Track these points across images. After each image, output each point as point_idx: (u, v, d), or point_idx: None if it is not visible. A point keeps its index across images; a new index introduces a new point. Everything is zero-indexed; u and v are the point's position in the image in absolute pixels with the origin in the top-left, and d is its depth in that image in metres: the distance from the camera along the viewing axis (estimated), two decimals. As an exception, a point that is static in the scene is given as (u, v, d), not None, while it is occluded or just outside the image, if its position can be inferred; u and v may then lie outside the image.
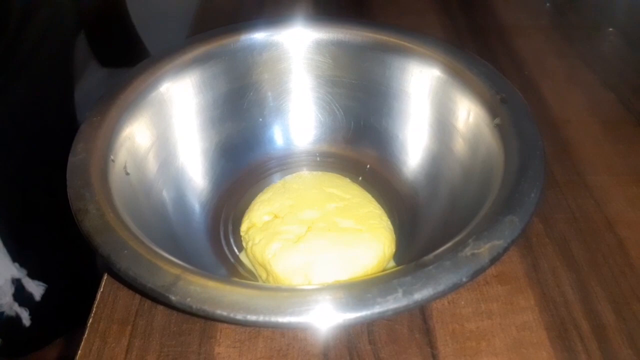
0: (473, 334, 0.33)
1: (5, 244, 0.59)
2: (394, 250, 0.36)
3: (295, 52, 0.41)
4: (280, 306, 0.24)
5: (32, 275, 0.62)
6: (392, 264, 0.36)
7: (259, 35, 0.40)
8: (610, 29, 0.60)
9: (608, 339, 0.32)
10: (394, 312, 0.25)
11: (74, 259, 0.68)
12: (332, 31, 0.40)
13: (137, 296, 0.34)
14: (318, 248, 0.33)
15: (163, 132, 0.35)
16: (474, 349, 0.32)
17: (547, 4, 0.66)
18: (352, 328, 0.32)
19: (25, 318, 0.61)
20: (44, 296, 0.62)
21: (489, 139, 0.35)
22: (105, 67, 1.23)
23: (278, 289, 0.26)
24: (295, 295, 0.25)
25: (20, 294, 0.61)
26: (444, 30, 0.60)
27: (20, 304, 0.61)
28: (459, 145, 0.38)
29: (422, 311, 0.34)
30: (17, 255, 0.61)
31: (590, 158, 0.44)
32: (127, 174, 0.31)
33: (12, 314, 0.62)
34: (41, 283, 0.62)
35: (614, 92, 0.50)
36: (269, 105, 0.42)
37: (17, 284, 0.60)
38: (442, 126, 0.39)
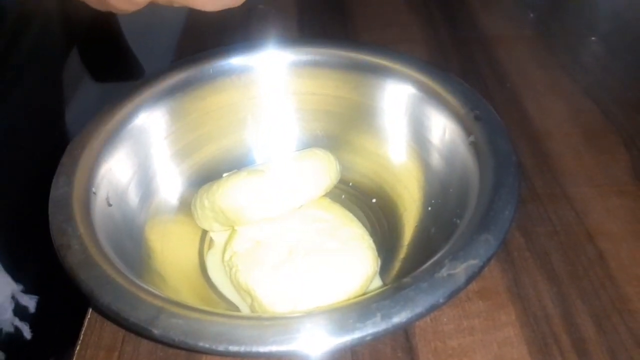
0: (455, 351, 0.33)
1: (1, 260, 0.60)
2: (377, 269, 0.36)
3: (272, 74, 0.42)
4: (262, 336, 0.25)
5: (27, 290, 0.63)
6: (377, 280, 0.37)
7: (235, 60, 0.40)
8: (593, 38, 0.60)
9: (588, 352, 0.33)
10: (373, 337, 0.25)
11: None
12: (308, 52, 0.41)
13: (125, 322, 0.34)
14: (302, 273, 0.33)
15: (143, 162, 0.36)
16: (456, 366, 0.32)
17: (531, 15, 0.66)
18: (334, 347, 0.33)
19: (26, 332, 0.62)
20: (41, 310, 0.63)
21: (465, 156, 0.36)
22: (98, 82, 1.24)
23: (259, 318, 0.26)
24: (276, 325, 0.25)
25: (19, 309, 0.62)
26: (428, 43, 0.60)
27: (20, 319, 0.62)
28: (436, 162, 0.39)
29: (404, 329, 0.34)
30: (13, 271, 0.61)
31: (571, 169, 0.45)
32: (110, 205, 0.32)
33: (12, 329, 0.62)
34: (33, 295, 0.63)
35: (595, 102, 0.51)
36: (248, 126, 0.42)
37: (16, 300, 0.61)
38: (420, 143, 0.39)
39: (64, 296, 0.70)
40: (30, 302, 0.63)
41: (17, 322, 0.63)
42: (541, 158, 0.46)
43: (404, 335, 0.34)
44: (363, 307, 0.26)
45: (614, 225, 0.40)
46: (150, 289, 0.26)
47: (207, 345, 0.24)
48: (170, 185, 0.38)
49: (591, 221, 0.41)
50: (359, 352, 0.33)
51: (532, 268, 0.38)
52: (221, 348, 0.24)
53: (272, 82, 0.41)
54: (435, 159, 0.38)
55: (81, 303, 0.46)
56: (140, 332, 0.25)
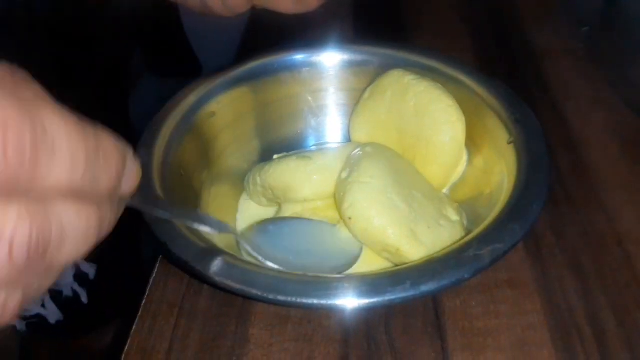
0: (481, 331, 0.36)
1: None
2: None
3: (329, 71, 0.46)
4: (306, 290, 0.29)
5: (88, 259, 0.69)
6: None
7: (297, 57, 0.45)
8: (642, 55, 0.62)
9: (607, 343, 0.35)
10: (402, 301, 0.29)
11: (122, 247, 0.74)
12: (361, 53, 0.45)
13: (185, 282, 0.39)
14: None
15: (211, 141, 0.41)
16: (480, 345, 0.35)
17: (582, 30, 0.68)
18: (371, 319, 0.37)
19: (84, 297, 0.68)
20: (97, 278, 0.69)
21: (504, 156, 0.39)
22: (158, 77, 1.32)
23: (305, 276, 0.30)
24: (320, 282, 0.29)
25: (79, 275, 0.68)
26: (476, 54, 0.63)
27: (79, 285, 0.68)
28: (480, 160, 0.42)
29: (435, 309, 0.37)
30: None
31: (606, 177, 0.47)
32: (182, 174, 0.36)
33: (70, 293, 0.69)
34: (93, 264, 0.69)
35: (636, 115, 0.53)
36: (304, 117, 0.47)
37: (77, 266, 0.67)
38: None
39: (120, 269, 0.76)
40: (90, 270, 0.69)
41: (76, 287, 0.69)
42: (577, 164, 0.48)
43: (434, 314, 0.37)
44: (395, 275, 0.30)
45: (644, 231, 0.42)
46: (212, 243, 0.31)
47: (259, 293, 0.28)
48: (230, 164, 0.43)
49: (621, 226, 0.43)
50: (392, 325, 0.36)
51: (560, 264, 0.40)
52: (271, 297, 0.28)
53: (328, 78, 0.46)
54: (478, 159, 0.41)
55: (135, 275, 0.51)
56: (204, 279, 0.29)
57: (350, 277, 0.30)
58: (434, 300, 0.38)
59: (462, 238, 0.34)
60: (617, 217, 0.43)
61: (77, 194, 0.18)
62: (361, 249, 0.38)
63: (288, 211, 0.40)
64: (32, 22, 0.61)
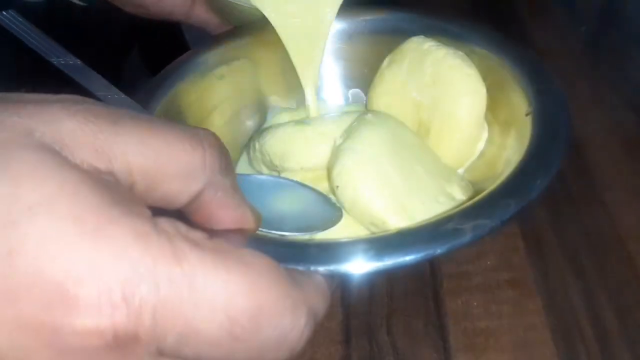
0: (483, 331, 0.36)
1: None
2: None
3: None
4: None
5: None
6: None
7: None
8: (641, 54, 0.62)
9: (609, 343, 0.35)
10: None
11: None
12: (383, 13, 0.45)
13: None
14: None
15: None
16: (482, 345, 0.35)
17: (582, 29, 0.68)
18: (372, 320, 0.36)
19: None
20: None
21: (520, 129, 0.35)
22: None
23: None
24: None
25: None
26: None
27: None
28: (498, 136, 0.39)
29: (437, 309, 0.37)
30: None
31: (607, 176, 0.47)
32: None
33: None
34: None
35: (637, 115, 0.53)
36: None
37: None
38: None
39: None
40: None
41: None
42: (579, 164, 0.48)
43: (435, 315, 0.37)
44: (353, 244, 0.26)
45: (646, 231, 0.42)
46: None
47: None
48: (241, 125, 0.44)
49: (623, 225, 0.43)
50: (394, 325, 0.36)
51: (561, 264, 0.40)
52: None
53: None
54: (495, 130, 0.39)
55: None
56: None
57: (299, 242, 0.28)
58: (435, 301, 0.38)
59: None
60: (618, 217, 0.43)
61: None
62: (340, 216, 0.35)
63: None
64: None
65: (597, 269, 0.39)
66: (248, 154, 0.43)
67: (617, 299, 0.38)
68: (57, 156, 0.16)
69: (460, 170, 0.40)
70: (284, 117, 0.45)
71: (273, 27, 0.40)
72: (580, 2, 0.73)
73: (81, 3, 0.54)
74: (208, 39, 0.47)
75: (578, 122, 0.52)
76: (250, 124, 0.46)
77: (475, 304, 0.38)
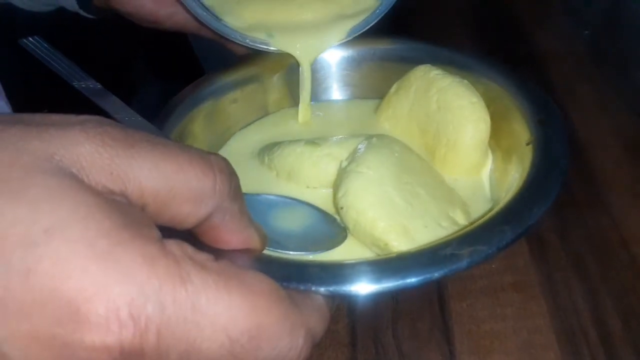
0: (487, 334, 0.36)
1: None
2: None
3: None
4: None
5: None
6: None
7: None
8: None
9: (614, 346, 0.35)
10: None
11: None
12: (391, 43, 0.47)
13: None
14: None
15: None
16: (487, 348, 0.35)
17: (585, 32, 0.68)
18: (378, 323, 0.37)
19: None
20: None
21: (522, 158, 0.36)
22: (162, 81, 1.32)
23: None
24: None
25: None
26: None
27: None
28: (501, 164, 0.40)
29: (442, 312, 0.38)
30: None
31: (610, 179, 0.47)
32: None
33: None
34: None
35: (639, 117, 0.53)
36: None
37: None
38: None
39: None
40: None
41: None
42: (582, 167, 0.48)
43: (440, 317, 0.37)
44: (354, 267, 0.27)
45: (649, 234, 0.43)
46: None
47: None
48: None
49: (626, 228, 0.43)
50: (399, 328, 0.37)
51: (566, 267, 0.40)
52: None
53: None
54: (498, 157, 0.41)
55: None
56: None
57: (301, 262, 0.29)
58: (440, 304, 0.38)
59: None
60: (622, 220, 0.43)
61: None
62: (345, 236, 0.36)
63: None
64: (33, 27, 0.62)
65: (601, 272, 0.40)
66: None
67: (621, 302, 0.38)
68: (73, 179, 0.17)
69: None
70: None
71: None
72: (584, 7, 0.73)
73: (88, 15, 0.55)
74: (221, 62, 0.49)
75: (581, 124, 0.53)
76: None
77: (480, 306, 0.38)
